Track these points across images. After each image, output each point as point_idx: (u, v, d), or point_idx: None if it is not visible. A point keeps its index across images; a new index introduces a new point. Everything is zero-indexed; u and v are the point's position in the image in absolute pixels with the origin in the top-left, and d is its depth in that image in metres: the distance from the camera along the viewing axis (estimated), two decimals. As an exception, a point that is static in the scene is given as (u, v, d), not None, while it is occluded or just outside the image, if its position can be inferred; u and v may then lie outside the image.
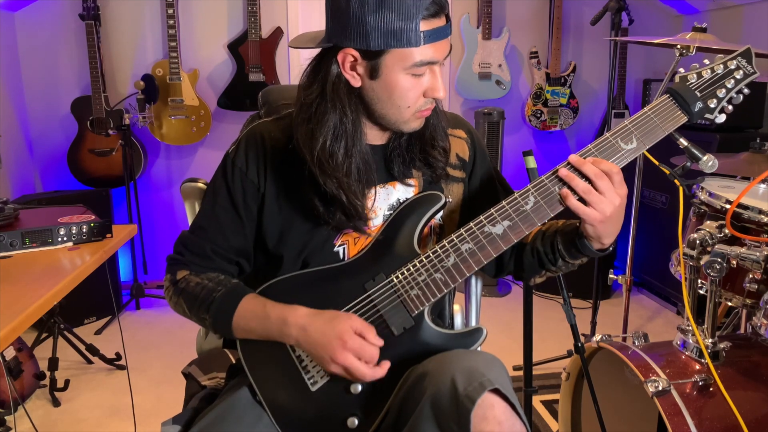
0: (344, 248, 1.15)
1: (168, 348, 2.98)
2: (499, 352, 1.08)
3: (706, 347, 1.50)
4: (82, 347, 2.78)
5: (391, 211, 1.16)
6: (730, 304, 1.62)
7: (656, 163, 1.35)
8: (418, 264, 1.09)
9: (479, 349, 1.12)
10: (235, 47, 3.48)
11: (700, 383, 1.45)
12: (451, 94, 3.75)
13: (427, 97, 1.08)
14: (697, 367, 1.51)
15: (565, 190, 1.03)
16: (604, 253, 1.10)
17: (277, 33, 3.49)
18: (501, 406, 0.96)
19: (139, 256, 3.52)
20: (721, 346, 1.53)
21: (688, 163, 1.16)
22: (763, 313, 1.42)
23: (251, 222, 1.17)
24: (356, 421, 1.07)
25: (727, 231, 1.50)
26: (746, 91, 1.11)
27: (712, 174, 1.67)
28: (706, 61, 1.12)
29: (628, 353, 1.55)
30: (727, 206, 1.61)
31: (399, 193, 1.18)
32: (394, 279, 1.09)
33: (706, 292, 1.56)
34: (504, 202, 1.07)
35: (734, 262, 1.49)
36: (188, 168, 3.69)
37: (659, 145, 1.09)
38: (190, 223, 1.36)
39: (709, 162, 1.14)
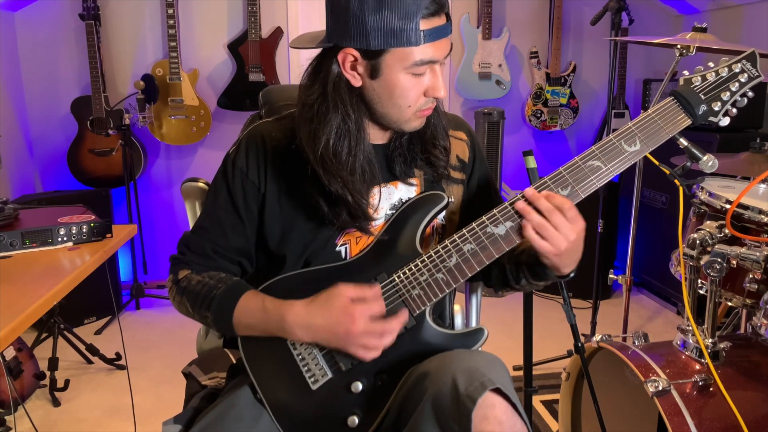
0: (346, 248, 1.15)
1: (168, 348, 2.98)
2: (499, 352, 1.08)
3: (706, 347, 1.50)
4: (82, 347, 2.78)
5: (393, 211, 1.16)
6: (730, 304, 1.62)
7: (656, 163, 1.35)
8: (420, 264, 1.09)
9: (480, 349, 1.12)
10: (235, 47, 3.48)
11: (700, 383, 1.45)
12: (451, 94, 3.75)
13: (428, 96, 1.08)
14: (697, 367, 1.51)
15: (525, 221, 1.03)
16: (565, 279, 1.12)
17: (277, 33, 3.49)
18: (502, 406, 0.96)
19: (139, 256, 3.52)
20: (721, 346, 1.53)
21: (688, 163, 1.16)
22: (763, 313, 1.42)
23: (252, 222, 1.17)
24: (357, 420, 1.07)
25: (727, 231, 1.51)
26: (750, 94, 1.11)
27: (712, 174, 1.67)
28: (711, 64, 1.12)
29: (628, 353, 1.55)
30: (727, 206, 1.61)
31: (401, 192, 1.18)
32: (396, 279, 1.09)
33: (706, 292, 1.56)
34: (506, 203, 1.07)
35: (734, 262, 1.49)
36: (188, 168, 3.69)
37: (659, 145, 1.09)
38: (190, 223, 1.36)
39: (709, 162, 1.14)
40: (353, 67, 1.06)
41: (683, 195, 1.34)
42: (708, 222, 1.57)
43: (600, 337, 1.67)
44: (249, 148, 1.16)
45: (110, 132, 3.30)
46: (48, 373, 2.51)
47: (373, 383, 1.08)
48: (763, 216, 1.53)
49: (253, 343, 1.12)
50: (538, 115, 3.78)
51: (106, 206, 3.34)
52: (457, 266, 1.07)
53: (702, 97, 1.10)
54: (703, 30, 2.02)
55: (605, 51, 3.76)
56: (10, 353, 2.32)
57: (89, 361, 2.80)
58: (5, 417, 2.18)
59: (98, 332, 3.13)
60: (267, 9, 3.52)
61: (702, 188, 1.73)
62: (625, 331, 2.60)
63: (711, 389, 1.45)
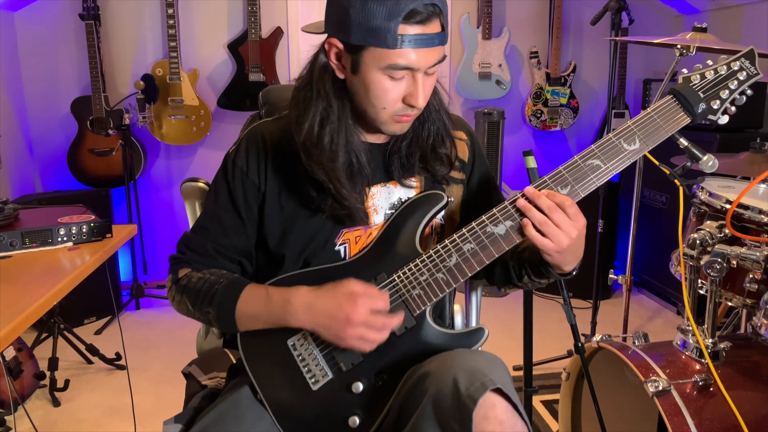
0: (345, 247, 1.15)
1: (168, 348, 2.98)
2: (499, 352, 1.08)
3: (706, 347, 1.50)
4: (82, 347, 2.78)
5: (393, 210, 1.16)
6: (730, 304, 1.62)
7: (656, 163, 1.35)
8: (419, 263, 1.09)
9: (480, 349, 1.12)
10: (235, 47, 3.48)
11: (700, 383, 1.45)
12: (451, 94, 3.74)
13: (406, 103, 1.05)
14: (697, 367, 1.51)
15: (525, 219, 1.03)
16: (567, 277, 1.12)
17: (277, 33, 3.49)
18: (503, 406, 0.96)
19: (139, 256, 3.52)
20: (721, 346, 1.53)
21: (689, 163, 1.16)
22: (763, 313, 1.42)
23: (252, 222, 1.16)
24: (357, 421, 1.07)
25: (727, 231, 1.51)
26: (749, 92, 1.11)
27: (712, 174, 1.68)
28: (710, 62, 1.12)
29: (628, 353, 1.55)
30: (727, 206, 1.61)
31: (400, 192, 1.18)
32: (396, 278, 1.09)
33: (706, 292, 1.56)
34: (507, 203, 1.07)
35: (734, 262, 1.49)
36: (188, 168, 3.69)
37: (659, 145, 1.09)
38: (190, 223, 1.36)
39: (709, 162, 1.14)
40: (338, 58, 1.06)
41: (683, 195, 1.34)
42: (708, 222, 1.57)
43: (600, 337, 1.67)
44: (249, 147, 1.16)
45: (110, 132, 3.30)
46: (48, 373, 2.51)
47: (373, 383, 1.08)
48: (763, 216, 1.53)
49: (253, 344, 1.12)
50: (538, 115, 3.78)
51: (106, 206, 3.34)
52: (457, 266, 1.07)
53: (701, 95, 1.09)
54: (703, 30, 2.02)
55: (605, 51, 3.76)
56: (10, 353, 2.32)
57: (89, 361, 2.80)
58: (5, 417, 2.18)
59: (98, 332, 3.13)
60: (267, 9, 3.52)
61: (702, 188, 1.73)
62: (625, 331, 2.60)
63: (711, 389, 1.45)
